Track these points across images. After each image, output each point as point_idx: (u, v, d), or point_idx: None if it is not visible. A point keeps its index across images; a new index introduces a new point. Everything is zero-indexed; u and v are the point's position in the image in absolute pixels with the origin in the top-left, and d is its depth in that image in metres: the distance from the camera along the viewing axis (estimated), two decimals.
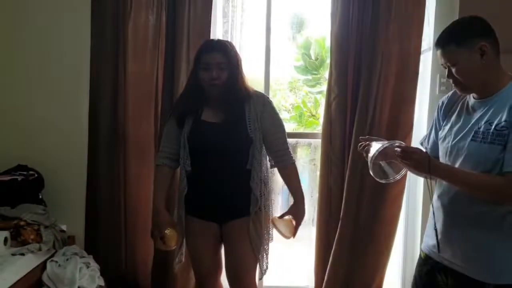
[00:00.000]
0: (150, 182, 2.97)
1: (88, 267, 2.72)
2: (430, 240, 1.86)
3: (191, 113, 2.34)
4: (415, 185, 3.18)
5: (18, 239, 2.57)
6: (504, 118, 1.63)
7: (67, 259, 2.68)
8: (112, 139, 2.99)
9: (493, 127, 1.65)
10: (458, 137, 1.76)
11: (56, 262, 2.63)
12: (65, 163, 3.04)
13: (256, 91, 2.40)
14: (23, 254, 2.48)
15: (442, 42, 1.74)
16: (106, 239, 3.03)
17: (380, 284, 3.12)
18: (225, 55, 2.26)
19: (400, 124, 2.96)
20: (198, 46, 2.89)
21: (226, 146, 2.27)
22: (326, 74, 3.27)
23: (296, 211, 2.33)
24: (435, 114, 1.97)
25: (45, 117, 3.03)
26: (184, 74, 2.93)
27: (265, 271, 2.41)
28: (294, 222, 2.31)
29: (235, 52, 2.32)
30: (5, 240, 2.50)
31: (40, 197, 2.89)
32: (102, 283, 2.77)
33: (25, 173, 2.85)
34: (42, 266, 2.59)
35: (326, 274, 3.06)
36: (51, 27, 2.99)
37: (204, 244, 2.39)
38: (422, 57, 2.97)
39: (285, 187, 2.47)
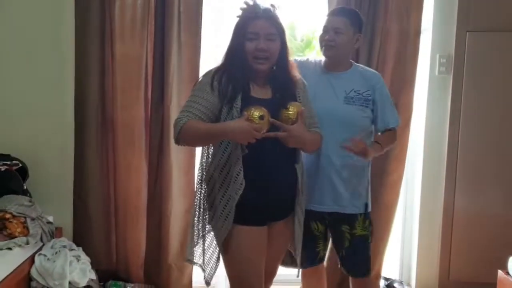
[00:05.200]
0: (141, 170, 2.88)
1: (78, 260, 2.60)
2: None
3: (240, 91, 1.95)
4: (414, 171, 3.13)
5: (3, 233, 2.46)
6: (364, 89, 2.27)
7: (56, 252, 2.56)
8: (100, 126, 2.85)
9: (357, 93, 2.26)
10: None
11: (45, 255, 2.51)
12: (50, 151, 2.90)
13: None
14: (10, 249, 2.36)
15: (343, 13, 2.28)
16: (95, 230, 2.89)
17: (378, 271, 3.07)
18: (274, 25, 1.92)
19: (399, 106, 2.88)
20: (189, 27, 2.80)
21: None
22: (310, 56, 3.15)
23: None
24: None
25: (26, 102, 2.87)
26: (175, 57, 2.81)
27: None
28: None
29: (281, 22, 1.97)
30: None
31: (25, 187, 2.74)
32: (93, 276, 2.65)
33: (8, 162, 2.70)
34: (30, 260, 2.47)
35: (325, 261, 2.98)
36: (31, 6, 2.81)
37: (258, 253, 2.01)
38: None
39: None
